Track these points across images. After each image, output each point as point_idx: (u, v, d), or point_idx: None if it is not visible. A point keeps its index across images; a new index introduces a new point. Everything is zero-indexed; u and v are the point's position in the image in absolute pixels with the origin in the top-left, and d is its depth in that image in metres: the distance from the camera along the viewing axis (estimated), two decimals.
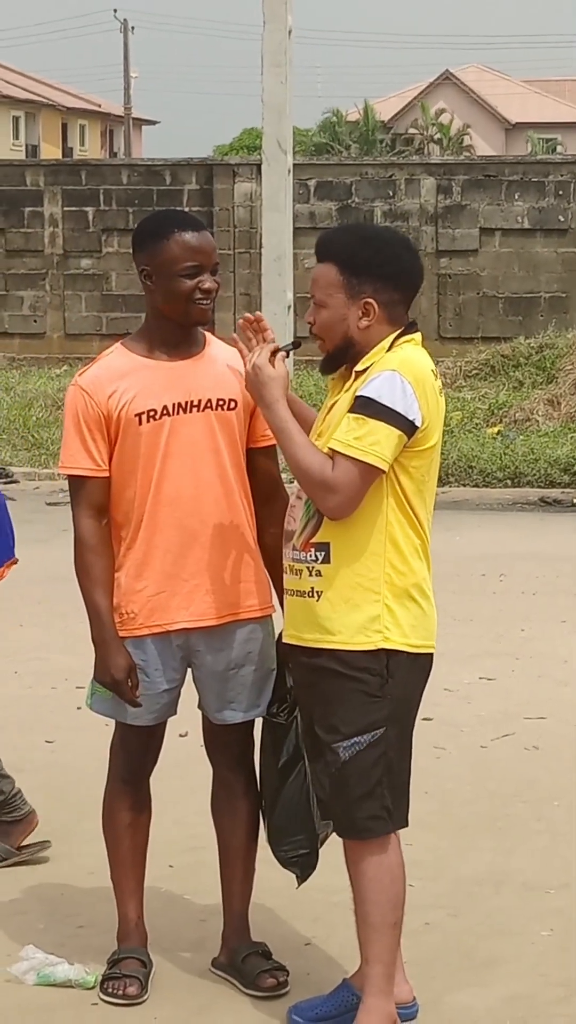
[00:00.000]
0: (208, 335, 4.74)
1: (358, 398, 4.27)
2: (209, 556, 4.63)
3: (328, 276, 4.39)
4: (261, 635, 4.71)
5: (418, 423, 4.26)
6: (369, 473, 4.25)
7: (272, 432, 4.43)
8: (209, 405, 4.60)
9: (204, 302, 4.59)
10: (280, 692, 4.70)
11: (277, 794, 4.66)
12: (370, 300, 4.36)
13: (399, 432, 4.23)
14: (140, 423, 4.58)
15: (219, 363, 4.68)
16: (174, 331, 4.64)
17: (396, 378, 4.26)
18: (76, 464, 4.63)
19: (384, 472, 4.25)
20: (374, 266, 4.35)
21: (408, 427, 4.25)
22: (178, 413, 4.60)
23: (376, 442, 4.22)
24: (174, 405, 4.59)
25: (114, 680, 4.59)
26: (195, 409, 4.60)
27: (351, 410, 4.27)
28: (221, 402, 4.59)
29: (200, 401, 4.60)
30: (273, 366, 4.40)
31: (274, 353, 4.43)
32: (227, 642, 4.66)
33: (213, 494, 4.63)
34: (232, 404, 4.64)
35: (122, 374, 4.62)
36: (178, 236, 4.58)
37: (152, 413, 4.58)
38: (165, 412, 4.59)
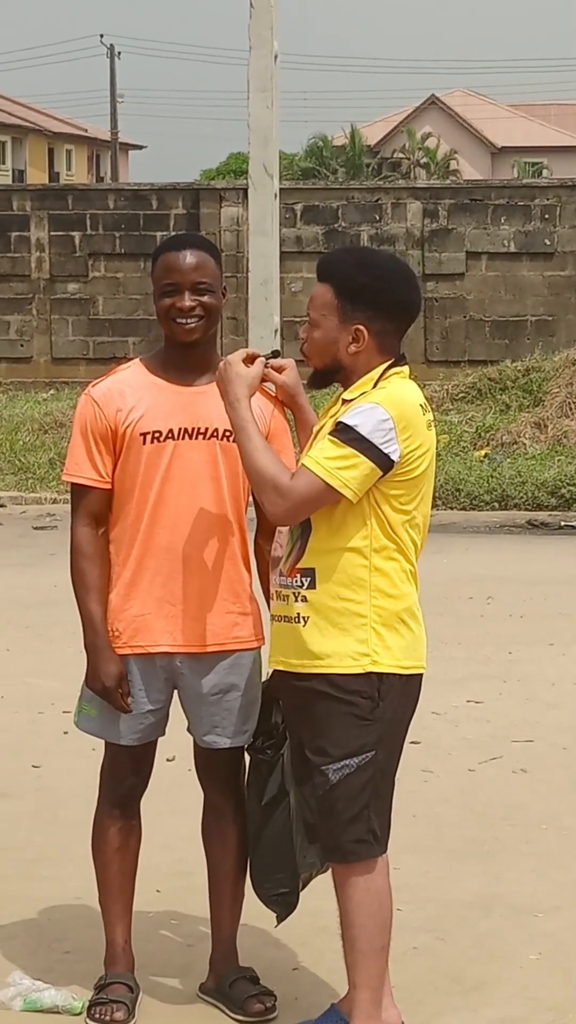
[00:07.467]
0: None
1: (339, 424, 4.27)
2: (198, 583, 4.62)
3: (323, 297, 4.39)
4: (247, 663, 4.69)
5: (395, 458, 4.25)
6: (328, 494, 4.25)
7: (232, 429, 4.42)
8: (215, 434, 4.59)
9: (182, 321, 4.58)
10: (265, 726, 4.67)
11: (260, 832, 4.63)
12: (361, 327, 4.35)
13: (372, 464, 4.23)
14: (144, 443, 4.58)
15: None
16: (182, 353, 4.63)
17: (379, 411, 4.25)
18: (79, 473, 4.65)
19: (344, 497, 4.24)
20: (369, 293, 4.34)
21: (383, 461, 4.24)
22: (183, 438, 4.59)
23: (344, 467, 4.22)
24: (180, 430, 4.59)
25: (104, 687, 4.59)
26: (200, 436, 4.60)
27: (331, 433, 4.28)
28: (228, 432, 4.53)
29: (207, 429, 4.60)
30: (247, 367, 4.42)
31: (253, 358, 4.45)
32: (212, 668, 4.65)
33: (208, 522, 4.62)
34: None
35: (134, 391, 4.62)
36: (162, 257, 4.62)
37: (157, 434, 4.58)
38: (170, 435, 4.59)
